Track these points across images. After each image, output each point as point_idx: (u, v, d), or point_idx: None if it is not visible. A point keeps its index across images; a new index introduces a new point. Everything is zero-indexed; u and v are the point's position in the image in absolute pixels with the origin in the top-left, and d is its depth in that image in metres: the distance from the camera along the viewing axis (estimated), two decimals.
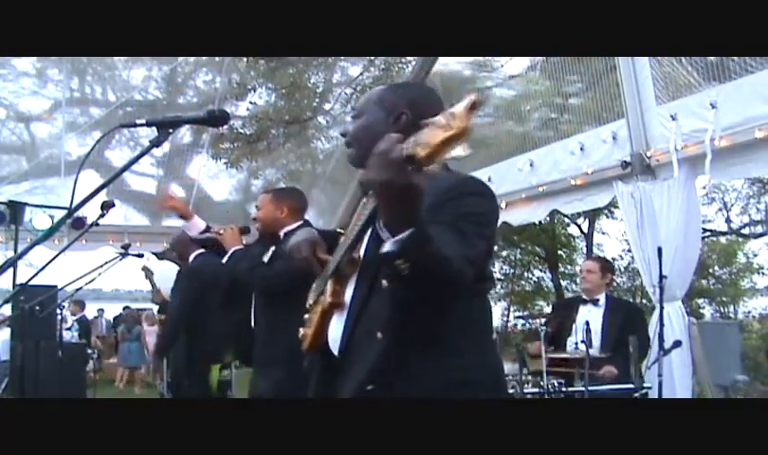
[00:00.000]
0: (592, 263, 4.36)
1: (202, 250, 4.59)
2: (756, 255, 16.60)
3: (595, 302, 4.14)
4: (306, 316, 1.68)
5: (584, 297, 4.24)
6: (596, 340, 3.86)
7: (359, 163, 1.57)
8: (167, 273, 4.99)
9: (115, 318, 12.90)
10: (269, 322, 3.06)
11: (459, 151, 1.00)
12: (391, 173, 1.09)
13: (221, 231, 3.25)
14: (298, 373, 2.39)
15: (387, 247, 1.18)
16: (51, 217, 5.97)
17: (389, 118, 1.54)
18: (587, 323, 3.56)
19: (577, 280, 5.09)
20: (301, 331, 1.67)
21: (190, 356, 4.34)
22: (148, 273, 5.50)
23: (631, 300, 12.74)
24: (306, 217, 3.32)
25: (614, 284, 14.97)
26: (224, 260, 3.16)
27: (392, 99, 1.57)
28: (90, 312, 11.69)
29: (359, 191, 1.59)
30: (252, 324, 3.23)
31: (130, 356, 10.66)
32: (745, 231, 15.25)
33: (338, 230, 1.65)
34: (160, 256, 5.18)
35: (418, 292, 1.30)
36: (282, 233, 3.17)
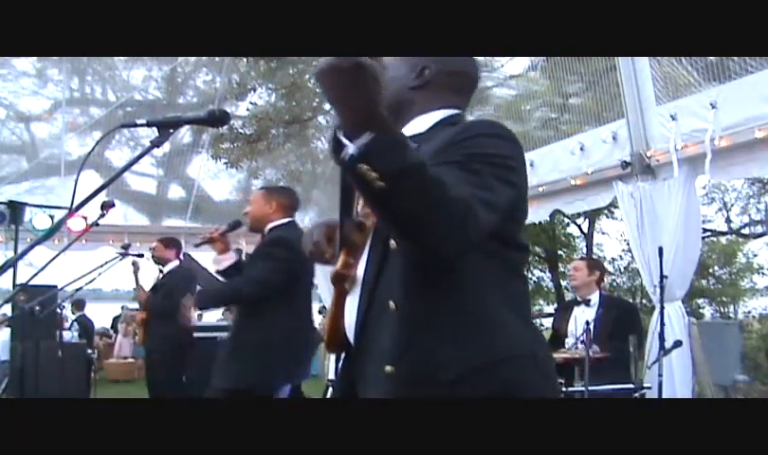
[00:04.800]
0: (578, 262, 4.49)
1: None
2: (756, 255, 16.62)
3: (587, 303, 4.14)
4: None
5: (578, 298, 4.25)
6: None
7: None
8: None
9: (114, 319, 12.92)
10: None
11: None
12: (339, 60, 0.94)
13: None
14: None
15: (349, 150, 0.97)
16: (51, 217, 5.97)
17: (411, 73, 1.48)
18: (587, 323, 3.56)
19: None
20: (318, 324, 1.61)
21: None
22: (136, 268, 5.23)
23: (631, 300, 12.72)
24: (307, 217, 3.36)
25: (614, 284, 15.00)
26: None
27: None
28: (95, 311, 11.70)
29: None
30: None
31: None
32: (745, 231, 15.25)
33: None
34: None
35: (422, 240, 1.04)
36: (267, 228, 3.22)
